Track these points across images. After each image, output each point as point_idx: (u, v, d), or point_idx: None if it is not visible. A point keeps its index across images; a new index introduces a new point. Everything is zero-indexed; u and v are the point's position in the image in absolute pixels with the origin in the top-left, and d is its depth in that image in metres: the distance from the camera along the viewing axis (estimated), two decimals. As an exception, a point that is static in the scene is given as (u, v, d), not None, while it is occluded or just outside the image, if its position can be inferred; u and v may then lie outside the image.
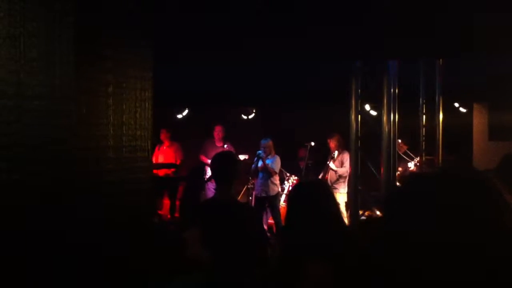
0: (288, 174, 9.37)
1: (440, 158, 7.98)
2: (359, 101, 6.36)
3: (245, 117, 11.12)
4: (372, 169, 6.29)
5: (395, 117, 6.11)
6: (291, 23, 4.72)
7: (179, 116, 10.54)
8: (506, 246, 0.98)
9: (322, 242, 2.68)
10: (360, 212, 6.81)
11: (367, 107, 7.26)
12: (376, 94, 6.13)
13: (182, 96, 9.22)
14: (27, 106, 2.22)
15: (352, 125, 6.38)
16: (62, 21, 2.33)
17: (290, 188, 8.86)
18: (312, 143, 9.25)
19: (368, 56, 5.77)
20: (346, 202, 8.22)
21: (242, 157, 9.10)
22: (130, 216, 2.68)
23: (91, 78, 2.50)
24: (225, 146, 9.08)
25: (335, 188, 8.32)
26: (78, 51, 2.37)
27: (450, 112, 9.08)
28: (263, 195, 8.38)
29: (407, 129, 7.78)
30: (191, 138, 9.82)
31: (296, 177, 9.22)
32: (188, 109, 10.52)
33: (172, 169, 9.34)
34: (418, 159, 8.28)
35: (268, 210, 8.56)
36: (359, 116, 6.42)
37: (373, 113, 7.33)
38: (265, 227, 8.36)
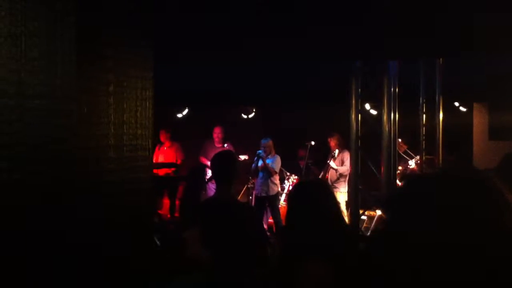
0: (288, 174, 9.37)
1: (440, 157, 7.98)
2: (359, 100, 6.36)
3: (245, 116, 11.11)
4: (373, 168, 6.29)
5: (395, 116, 6.12)
6: (291, 23, 4.71)
7: (179, 115, 10.54)
8: (506, 246, 0.98)
9: (322, 241, 2.68)
10: (361, 212, 6.81)
11: (367, 106, 7.26)
12: (376, 93, 6.13)
13: (182, 96, 9.21)
14: (28, 105, 2.22)
15: (353, 124, 6.38)
16: (63, 20, 2.33)
17: (291, 187, 8.87)
18: (312, 143, 9.26)
19: (368, 56, 5.78)
20: (346, 201, 8.23)
21: (242, 157, 9.10)
22: (131, 215, 2.68)
23: (92, 78, 2.50)
24: (225, 145, 9.07)
25: (336, 187, 8.33)
26: (79, 51, 2.37)
27: (450, 111, 9.08)
28: (263, 194, 8.38)
29: (407, 129, 7.78)
30: (191, 138, 9.82)
31: (296, 177, 9.22)
32: (188, 108, 10.52)
33: (173, 169, 9.34)
34: (418, 157, 8.29)
35: (269, 210, 8.56)
36: (360, 115, 6.42)
37: (374, 112, 7.33)
38: (265, 226, 8.37)
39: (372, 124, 6.43)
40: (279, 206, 8.63)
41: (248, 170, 8.76)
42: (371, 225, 8.33)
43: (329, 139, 8.77)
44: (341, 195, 8.31)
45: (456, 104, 10.38)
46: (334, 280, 2.58)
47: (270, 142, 8.49)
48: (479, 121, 10.78)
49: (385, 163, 6.06)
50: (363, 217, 8.18)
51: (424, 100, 7.99)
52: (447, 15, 4.48)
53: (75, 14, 2.35)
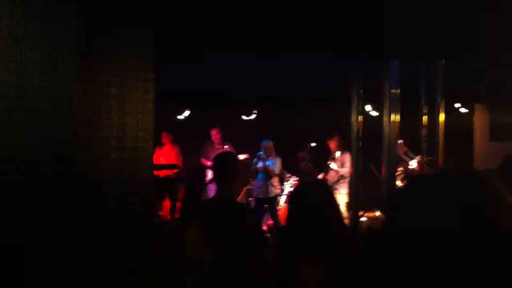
0: (288, 175, 9.37)
1: (441, 158, 7.98)
2: (361, 101, 6.37)
3: (246, 118, 11.11)
4: (373, 169, 6.29)
5: (396, 117, 6.12)
6: (291, 23, 4.72)
7: (180, 117, 10.54)
8: (505, 247, 0.98)
9: (322, 242, 2.69)
10: (361, 213, 6.81)
11: (368, 107, 7.26)
12: (377, 95, 6.14)
13: (182, 97, 9.22)
14: (29, 107, 2.22)
15: (354, 125, 6.38)
16: (64, 22, 2.34)
17: (291, 189, 8.86)
18: (313, 144, 9.26)
19: (369, 56, 5.78)
20: (346, 203, 8.22)
21: (242, 156, 9.09)
22: (131, 216, 2.69)
23: (92, 79, 2.51)
24: (226, 146, 9.08)
25: (336, 189, 8.32)
26: (79, 52, 2.38)
27: (451, 112, 9.08)
28: (262, 196, 8.38)
29: (408, 130, 7.78)
30: (192, 140, 9.82)
31: (296, 178, 9.22)
32: (188, 110, 10.53)
33: (174, 170, 9.35)
34: (419, 157, 8.28)
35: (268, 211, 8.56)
36: (360, 116, 6.42)
37: (374, 113, 7.33)
38: (265, 227, 8.36)
39: (372, 125, 6.43)
40: (279, 207, 8.62)
41: (248, 171, 8.76)
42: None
43: (328, 141, 8.76)
44: (341, 196, 8.30)
45: (457, 105, 10.38)
46: (333, 281, 2.58)
47: (270, 144, 8.49)
48: (480, 122, 10.77)
49: (386, 164, 6.06)
50: (363, 219, 8.18)
51: (425, 102, 7.99)
52: (448, 15, 4.48)
53: (75, 15, 2.36)
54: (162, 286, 2.60)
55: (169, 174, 9.30)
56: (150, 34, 2.86)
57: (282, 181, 9.23)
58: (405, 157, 8.58)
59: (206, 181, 8.44)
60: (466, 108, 10.57)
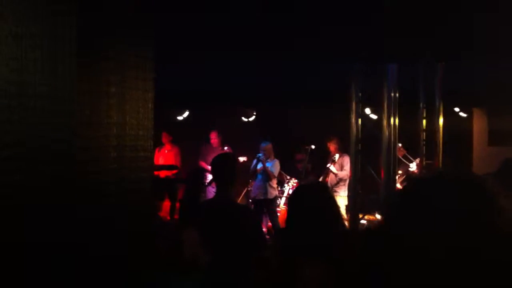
0: (288, 177, 9.37)
1: (440, 162, 7.98)
2: (360, 104, 6.37)
3: (245, 119, 11.11)
4: (373, 172, 6.29)
5: (395, 121, 6.12)
6: (291, 23, 4.73)
7: (180, 118, 10.54)
8: (502, 250, 0.99)
9: (322, 244, 2.69)
10: (360, 216, 6.81)
11: (367, 111, 7.27)
12: (376, 98, 6.14)
13: (182, 97, 9.22)
14: (29, 105, 2.22)
15: (353, 128, 6.39)
16: (65, 21, 2.34)
17: (291, 191, 8.87)
18: (312, 146, 9.26)
19: (368, 56, 5.78)
20: (346, 205, 8.22)
21: (241, 159, 9.10)
22: (131, 215, 2.69)
23: (93, 78, 2.51)
24: (225, 148, 9.08)
25: (336, 191, 8.32)
26: (79, 52, 2.38)
27: (450, 116, 9.08)
28: (261, 197, 8.38)
29: (407, 133, 7.79)
30: (191, 140, 9.82)
31: (296, 180, 9.22)
32: (188, 110, 10.53)
33: (173, 171, 9.35)
34: (418, 160, 8.29)
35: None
36: (359, 119, 6.43)
37: (374, 116, 7.34)
38: (265, 229, 8.36)
39: (371, 128, 6.44)
40: (279, 209, 8.62)
41: (247, 172, 8.76)
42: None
43: (328, 144, 8.76)
44: (341, 199, 8.30)
45: (456, 109, 10.38)
46: (334, 282, 2.59)
47: (269, 146, 8.49)
48: (479, 127, 10.78)
49: (385, 167, 6.06)
50: (363, 221, 8.18)
51: (424, 105, 7.99)
52: (447, 16, 4.49)
53: (76, 14, 2.36)
54: (162, 286, 2.60)
55: (169, 175, 9.30)
56: (150, 34, 2.86)
57: (281, 183, 9.23)
58: (404, 160, 8.60)
59: (205, 183, 8.43)
60: (465, 112, 10.58)
